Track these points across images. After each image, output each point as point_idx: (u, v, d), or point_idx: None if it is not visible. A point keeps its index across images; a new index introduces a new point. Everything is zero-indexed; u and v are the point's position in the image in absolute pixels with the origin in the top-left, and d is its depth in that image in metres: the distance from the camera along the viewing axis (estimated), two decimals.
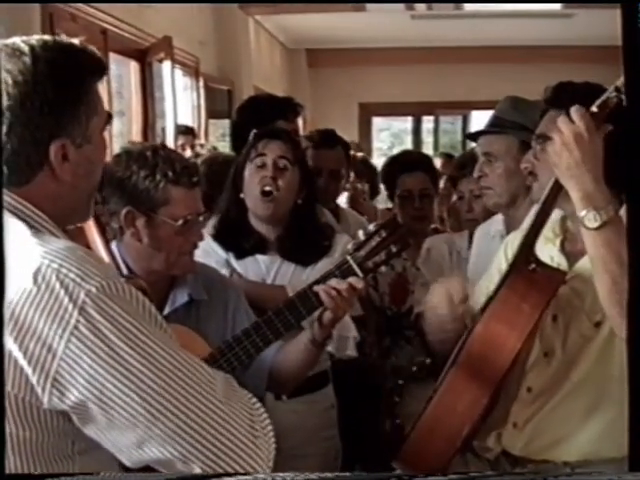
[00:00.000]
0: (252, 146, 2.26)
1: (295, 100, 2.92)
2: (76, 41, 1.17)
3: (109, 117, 1.21)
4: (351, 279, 1.72)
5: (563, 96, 1.66)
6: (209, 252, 2.22)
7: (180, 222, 1.79)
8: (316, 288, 1.73)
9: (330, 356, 2.33)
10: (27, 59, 1.10)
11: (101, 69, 1.19)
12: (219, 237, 2.26)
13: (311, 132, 3.33)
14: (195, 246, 1.87)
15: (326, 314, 1.75)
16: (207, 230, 2.22)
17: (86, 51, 1.17)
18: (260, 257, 2.27)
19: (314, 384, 2.27)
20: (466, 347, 1.64)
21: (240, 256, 2.26)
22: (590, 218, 1.44)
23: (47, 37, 1.14)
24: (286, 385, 2.00)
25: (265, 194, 2.20)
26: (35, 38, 1.13)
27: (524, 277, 1.63)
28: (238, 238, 2.26)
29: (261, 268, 2.26)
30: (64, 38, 1.16)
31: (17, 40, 1.12)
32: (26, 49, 1.11)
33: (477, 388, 1.60)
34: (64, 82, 1.12)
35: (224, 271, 2.20)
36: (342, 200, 3.79)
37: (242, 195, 2.25)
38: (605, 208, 1.44)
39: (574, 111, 1.46)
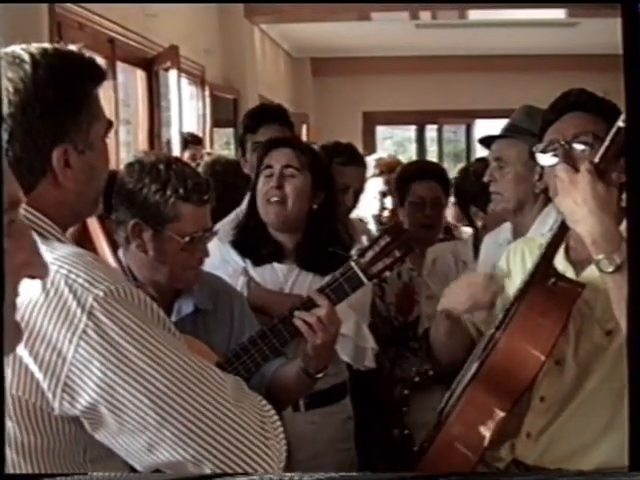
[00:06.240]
0: (261, 158, 2.25)
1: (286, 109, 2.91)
2: (75, 48, 1.17)
3: (110, 124, 1.21)
4: (315, 310, 1.71)
5: (584, 100, 1.66)
6: (227, 259, 2.21)
7: (187, 239, 1.78)
8: (296, 314, 1.73)
9: (348, 367, 2.29)
10: (27, 66, 1.10)
11: (101, 75, 1.19)
12: (237, 244, 2.25)
13: (329, 144, 3.25)
14: (201, 261, 1.86)
15: (307, 344, 1.75)
16: (226, 237, 2.22)
17: (85, 57, 1.17)
18: (277, 266, 2.24)
19: (332, 396, 2.25)
20: (487, 363, 1.63)
21: (257, 263, 2.24)
22: (605, 264, 1.42)
23: (47, 45, 1.14)
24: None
25: (271, 203, 2.19)
26: (34, 46, 1.13)
27: (544, 291, 1.62)
28: (256, 245, 2.25)
29: (279, 277, 2.24)
30: (64, 45, 1.16)
31: (17, 48, 1.13)
32: (26, 57, 1.11)
33: (497, 403, 1.60)
34: (64, 88, 1.12)
35: (241, 279, 2.19)
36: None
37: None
38: (616, 251, 1.40)
39: (583, 166, 1.44)
